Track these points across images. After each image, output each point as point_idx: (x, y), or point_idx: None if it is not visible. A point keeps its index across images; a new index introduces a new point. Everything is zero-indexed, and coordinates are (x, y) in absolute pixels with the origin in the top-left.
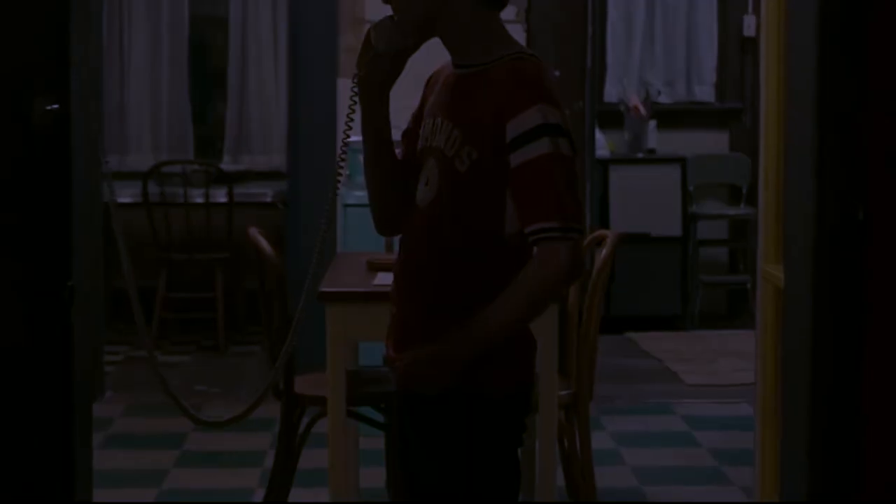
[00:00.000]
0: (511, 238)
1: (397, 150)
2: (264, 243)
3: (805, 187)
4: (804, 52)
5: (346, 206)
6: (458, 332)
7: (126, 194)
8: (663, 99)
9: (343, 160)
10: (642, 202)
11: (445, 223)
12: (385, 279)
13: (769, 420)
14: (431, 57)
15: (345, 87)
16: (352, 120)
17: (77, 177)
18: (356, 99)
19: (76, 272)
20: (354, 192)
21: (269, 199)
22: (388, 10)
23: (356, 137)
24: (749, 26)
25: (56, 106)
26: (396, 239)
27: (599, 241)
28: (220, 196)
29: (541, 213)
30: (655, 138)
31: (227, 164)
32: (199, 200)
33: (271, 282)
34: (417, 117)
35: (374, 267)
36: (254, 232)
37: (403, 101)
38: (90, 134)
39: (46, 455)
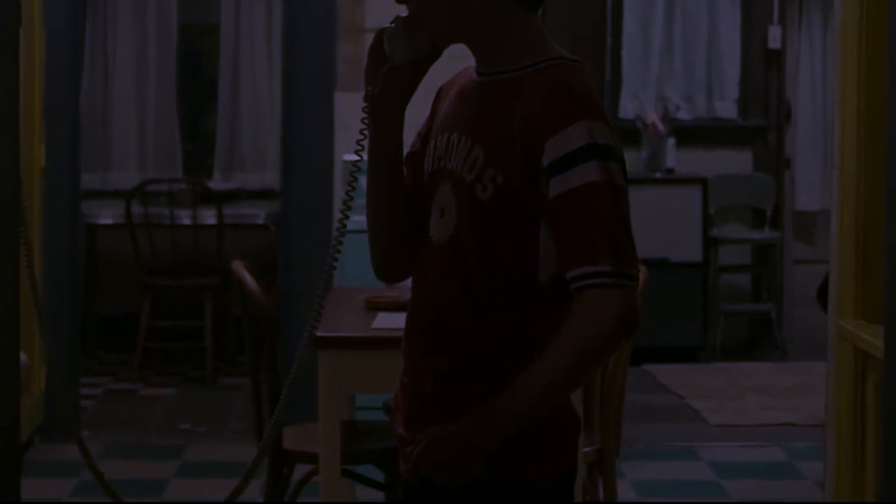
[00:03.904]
0: (546, 286)
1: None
2: (250, 279)
3: None
4: None
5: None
6: (490, 405)
7: (108, 215)
8: (682, 115)
9: (348, 208)
10: (660, 225)
11: (465, 265)
12: (386, 321)
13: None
14: (444, 63)
15: (342, 101)
16: (362, 148)
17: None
18: (366, 122)
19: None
20: (353, 217)
21: (261, 221)
22: (388, 18)
23: (353, 156)
24: (774, 38)
25: None
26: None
27: None
28: (209, 217)
29: (588, 254)
30: (674, 157)
31: (216, 183)
32: (187, 222)
33: (256, 315)
34: (425, 136)
35: (374, 306)
36: (237, 265)
37: (414, 114)
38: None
39: None
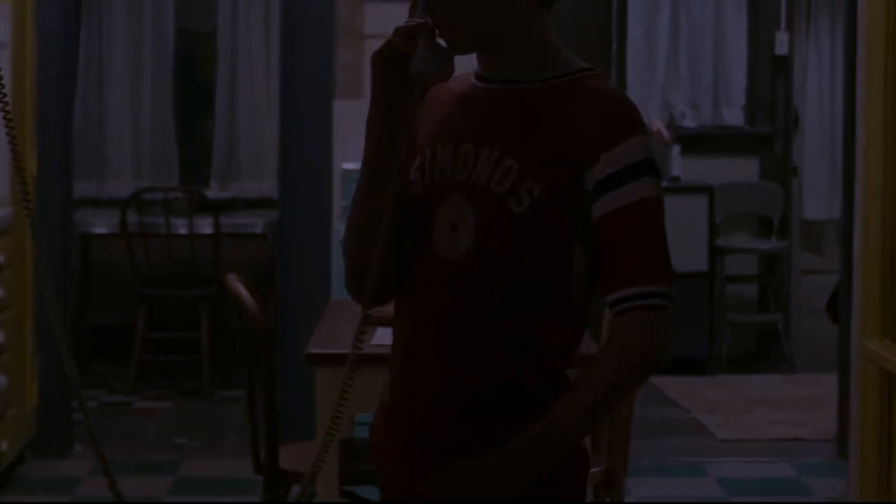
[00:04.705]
0: (575, 307)
1: None
2: (245, 293)
3: None
4: None
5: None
6: (525, 434)
7: (102, 224)
8: (688, 122)
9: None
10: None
11: (482, 280)
12: (385, 336)
13: None
14: None
15: (341, 108)
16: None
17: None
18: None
19: None
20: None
21: (258, 230)
22: (388, 24)
23: (350, 165)
24: (781, 44)
25: None
26: None
27: None
28: (206, 226)
29: (642, 272)
30: (680, 165)
31: (213, 192)
32: (183, 231)
33: (252, 329)
34: (410, 148)
35: (373, 321)
36: (233, 279)
37: None
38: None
39: None
